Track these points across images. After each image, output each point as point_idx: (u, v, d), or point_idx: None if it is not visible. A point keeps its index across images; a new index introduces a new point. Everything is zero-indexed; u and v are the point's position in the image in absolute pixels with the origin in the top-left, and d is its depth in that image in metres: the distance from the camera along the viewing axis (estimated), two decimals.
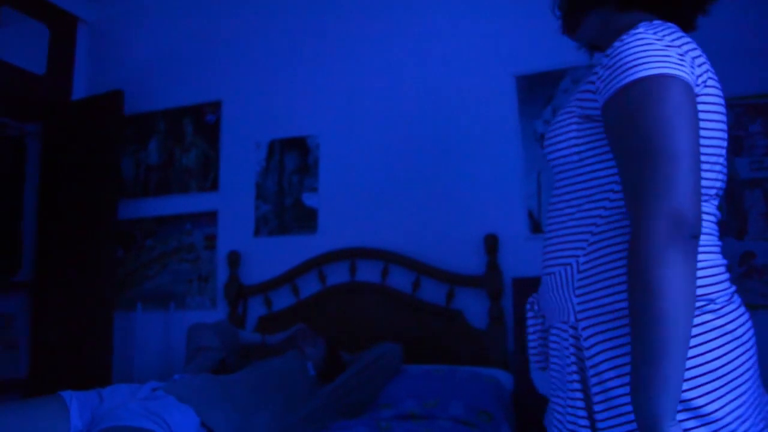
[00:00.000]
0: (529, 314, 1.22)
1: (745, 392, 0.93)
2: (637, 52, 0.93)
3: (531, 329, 1.21)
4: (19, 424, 1.61)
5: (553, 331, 1.10)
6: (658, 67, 0.91)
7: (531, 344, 1.21)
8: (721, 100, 1.02)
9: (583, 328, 1.01)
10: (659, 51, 0.93)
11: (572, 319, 1.03)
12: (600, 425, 0.97)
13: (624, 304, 0.97)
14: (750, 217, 2.47)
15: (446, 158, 2.91)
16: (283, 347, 2.56)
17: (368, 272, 2.94)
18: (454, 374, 2.44)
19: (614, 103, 0.95)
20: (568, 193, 1.09)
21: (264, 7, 3.40)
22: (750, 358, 0.96)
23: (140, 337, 3.34)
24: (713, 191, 1.02)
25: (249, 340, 2.58)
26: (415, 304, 2.81)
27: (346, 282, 2.96)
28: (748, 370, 0.95)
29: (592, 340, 1.00)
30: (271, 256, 3.14)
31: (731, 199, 2.49)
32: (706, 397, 0.90)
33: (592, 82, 1.02)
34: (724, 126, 1.03)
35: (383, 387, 2.39)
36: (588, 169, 1.05)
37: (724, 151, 1.03)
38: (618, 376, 0.96)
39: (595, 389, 0.98)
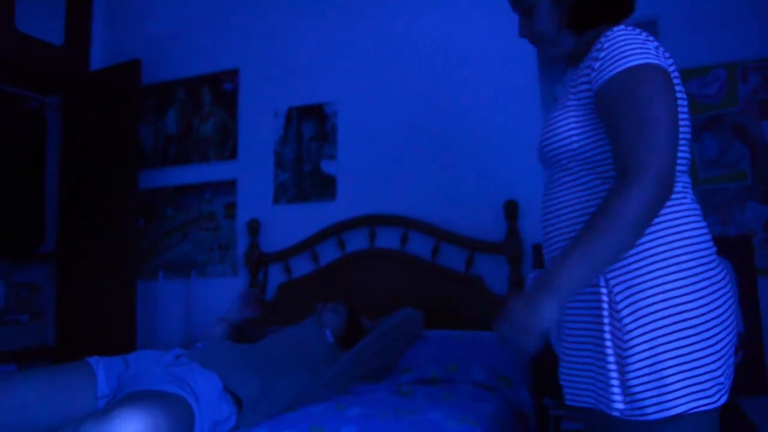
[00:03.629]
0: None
1: (730, 328, 1.14)
2: (624, 46, 1.13)
3: None
4: (49, 389, 1.65)
5: (578, 297, 1.20)
6: (643, 58, 1.11)
7: None
8: (684, 92, 1.21)
9: (614, 285, 1.14)
10: (641, 45, 1.13)
11: (601, 280, 1.14)
12: (630, 376, 1.09)
13: (654, 260, 1.12)
14: None
15: (466, 124, 2.88)
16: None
17: (387, 239, 2.95)
18: (474, 339, 2.45)
19: (608, 87, 1.13)
20: (572, 175, 1.23)
21: None
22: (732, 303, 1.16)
23: (163, 305, 3.40)
24: (686, 162, 1.20)
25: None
26: (434, 270, 2.82)
27: (366, 249, 2.97)
28: (731, 313, 1.15)
29: (621, 296, 1.13)
30: (290, 224, 3.15)
31: (756, 163, 2.44)
32: (710, 331, 1.09)
33: (587, 75, 1.18)
34: (687, 113, 1.22)
35: (404, 352, 2.41)
36: (591, 152, 1.20)
37: (690, 134, 1.23)
38: (642, 333, 1.10)
39: (618, 334, 1.11)
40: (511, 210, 2.69)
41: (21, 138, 3.55)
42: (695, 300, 1.10)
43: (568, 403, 1.22)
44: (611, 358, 1.11)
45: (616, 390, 1.10)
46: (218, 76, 3.43)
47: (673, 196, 1.13)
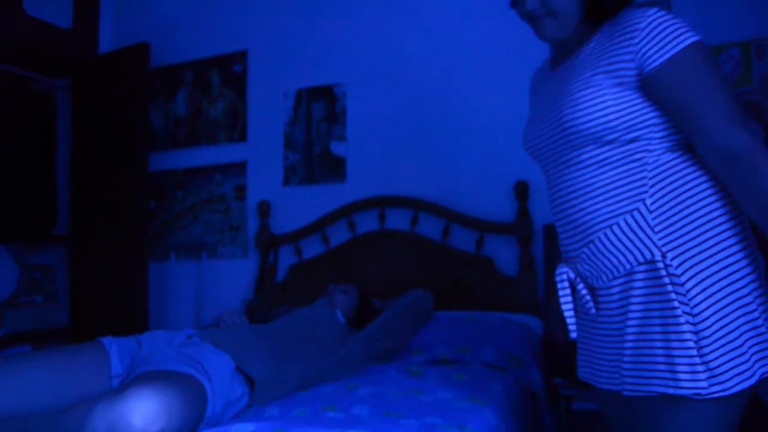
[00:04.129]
0: (564, 285, 1.30)
1: None
2: (674, 24, 1.14)
3: (567, 299, 1.29)
4: (64, 369, 1.66)
5: (616, 281, 1.20)
6: (694, 35, 1.13)
7: (569, 314, 1.30)
8: None
9: (672, 258, 1.13)
10: (683, 22, 1.14)
11: (656, 253, 1.13)
12: (707, 350, 1.07)
13: (706, 228, 1.13)
14: None
15: (476, 104, 2.87)
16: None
17: (397, 220, 2.94)
18: (485, 320, 2.45)
19: (674, 63, 1.13)
20: (603, 154, 1.20)
21: None
22: None
23: (174, 286, 3.42)
24: None
25: None
26: (444, 251, 2.81)
27: (376, 230, 2.97)
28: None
29: (682, 268, 1.12)
30: (300, 206, 3.15)
31: None
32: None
33: (629, 53, 1.16)
34: None
35: (415, 333, 2.41)
36: (627, 129, 1.17)
37: None
38: (710, 303, 1.09)
39: (686, 309, 1.10)
40: (522, 190, 2.68)
41: (32, 121, 3.57)
42: (748, 265, 1.12)
43: (609, 387, 1.22)
44: (688, 335, 1.08)
45: (700, 368, 1.06)
46: (227, 58, 3.42)
47: (691, 166, 1.17)
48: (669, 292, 1.11)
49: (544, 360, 2.33)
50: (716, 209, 1.15)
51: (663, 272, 1.12)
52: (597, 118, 1.18)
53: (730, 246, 1.12)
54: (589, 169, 1.21)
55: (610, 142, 1.19)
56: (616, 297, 1.20)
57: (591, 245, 1.21)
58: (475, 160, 2.84)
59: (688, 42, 1.12)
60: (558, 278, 1.30)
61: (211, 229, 3.37)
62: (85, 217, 3.48)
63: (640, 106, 1.17)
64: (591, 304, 1.25)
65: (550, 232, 2.58)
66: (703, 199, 1.15)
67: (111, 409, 1.32)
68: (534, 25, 1.34)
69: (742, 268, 1.11)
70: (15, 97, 3.42)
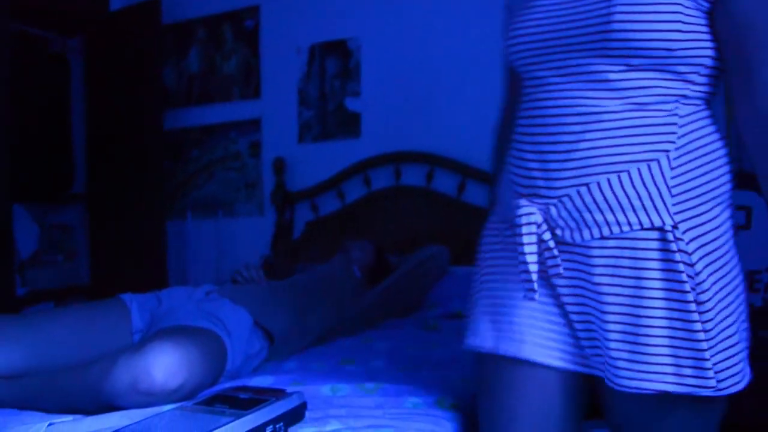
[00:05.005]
0: (530, 229, 1.01)
1: None
2: None
3: (532, 249, 1.01)
4: (86, 325, 1.69)
5: (601, 243, 0.97)
6: None
7: (527, 270, 1.02)
8: None
9: (684, 232, 0.93)
10: None
11: (667, 221, 0.93)
12: (713, 342, 0.91)
13: (717, 205, 0.96)
14: None
15: (491, 57, 2.81)
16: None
17: (413, 176, 2.93)
18: None
19: None
20: (640, 81, 0.95)
21: None
22: None
23: (192, 244, 3.45)
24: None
25: None
26: (460, 207, 2.80)
27: (391, 186, 2.96)
28: None
29: (692, 246, 0.93)
30: (315, 162, 3.15)
31: None
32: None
33: None
34: None
35: (431, 288, 2.42)
36: (684, 59, 0.95)
37: None
38: (714, 293, 0.92)
39: (694, 295, 0.91)
40: None
41: (46, 81, 3.56)
42: (738, 259, 0.98)
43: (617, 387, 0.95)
44: (698, 325, 0.90)
45: (708, 364, 0.90)
46: (239, 13, 3.38)
47: (712, 126, 0.99)
48: (681, 272, 0.91)
49: None
50: (728, 189, 0.98)
51: (674, 246, 0.92)
52: (662, 38, 0.92)
53: (729, 230, 0.97)
54: (617, 92, 0.96)
55: (658, 68, 0.94)
56: (596, 261, 0.97)
57: (584, 189, 0.96)
58: (492, 114, 2.80)
59: None
60: (520, 220, 1.01)
61: (228, 187, 3.38)
62: (102, 177, 3.50)
63: (704, 35, 0.95)
64: (558, 260, 1.00)
65: None
66: (722, 175, 0.98)
67: (133, 363, 1.34)
68: None
69: (737, 260, 0.97)
70: (29, 58, 3.41)
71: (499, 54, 2.95)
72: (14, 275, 2.98)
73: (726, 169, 0.98)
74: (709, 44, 0.95)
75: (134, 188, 3.35)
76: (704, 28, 0.95)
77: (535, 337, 1.04)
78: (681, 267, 0.91)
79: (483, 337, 1.11)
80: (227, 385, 1.49)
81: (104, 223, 3.47)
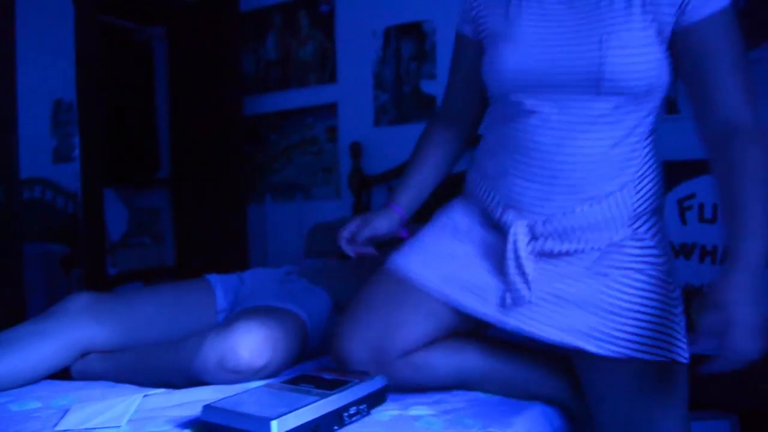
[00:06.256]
0: (524, 245, 1.21)
1: None
2: None
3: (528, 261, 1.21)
4: (174, 303, 1.77)
5: (603, 247, 1.20)
6: None
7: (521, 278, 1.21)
8: None
9: (647, 230, 1.21)
10: None
11: (636, 230, 1.20)
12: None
13: (659, 212, 1.25)
14: None
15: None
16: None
17: None
18: None
19: (712, 21, 1.09)
20: (621, 114, 1.14)
21: None
22: None
23: (272, 227, 3.53)
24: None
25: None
26: None
27: (467, 169, 2.92)
28: None
29: (661, 248, 1.22)
30: (391, 146, 3.15)
31: None
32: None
33: (671, 5, 1.10)
34: None
35: None
36: (658, 89, 1.15)
37: None
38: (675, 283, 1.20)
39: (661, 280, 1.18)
40: None
41: (132, 71, 3.70)
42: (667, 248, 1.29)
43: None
44: (680, 307, 1.18)
45: (680, 335, 1.16)
46: None
47: (654, 150, 1.22)
48: (660, 255, 1.20)
49: None
50: (660, 196, 1.25)
51: (649, 244, 1.20)
52: (646, 76, 1.12)
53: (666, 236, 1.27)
54: (602, 126, 1.14)
55: (638, 102, 1.14)
56: (572, 264, 1.21)
57: (570, 212, 1.18)
58: None
59: (726, 3, 1.09)
60: (511, 227, 1.23)
61: (305, 171, 3.44)
62: (185, 162, 3.62)
63: (667, 68, 1.14)
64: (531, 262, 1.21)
65: None
66: (660, 189, 1.24)
67: (220, 341, 1.40)
68: None
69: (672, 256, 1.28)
70: (116, 49, 3.54)
71: None
72: (105, 256, 3.13)
73: (660, 183, 1.23)
74: (668, 69, 1.15)
75: (216, 173, 3.45)
76: (666, 60, 1.14)
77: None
78: (658, 252, 1.19)
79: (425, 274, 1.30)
80: (310, 365, 1.53)
81: (188, 207, 3.60)
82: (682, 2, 1.09)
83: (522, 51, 1.18)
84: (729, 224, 1.03)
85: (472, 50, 1.39)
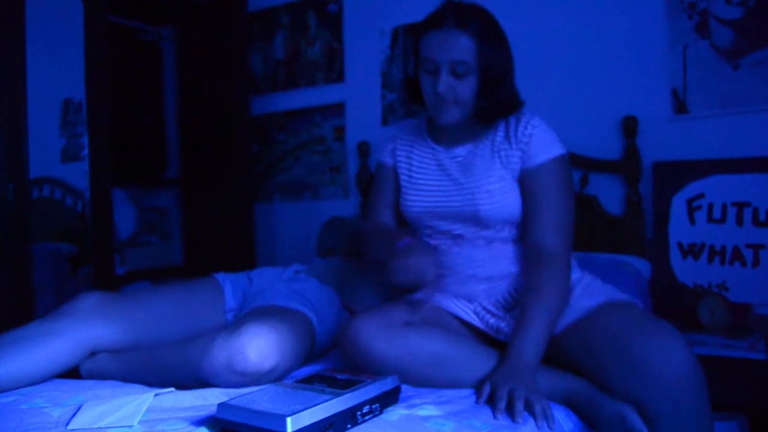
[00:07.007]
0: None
1: None
2: (550, 135, 1.61)
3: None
4: (183, 302, 1.77)
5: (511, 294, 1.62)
6: (563, 148, 1.61)
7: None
8: None
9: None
10: (557, 137, 1.63)
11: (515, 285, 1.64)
12: None
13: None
14: None
15: (579, 34, 2.73)
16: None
17: None
18: (591, 260, 2.38)
19: (548, 168, 1.56)
20: (498, 233, 1.63)
21: None
22: None
23: (280, 226, 3.54)
24: None
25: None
26: (581, 199, 2.71)
27: None
28: None
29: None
30: None
31: None
32: None
33: (520, 151, 1.59)
34: None
35: None
36: (518, 217, 1.61)
37: None
38: None
39: None
40: (630, 126, 2.54)
41: (141, 70, 3.72)
42: None
43: None
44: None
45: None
46: None
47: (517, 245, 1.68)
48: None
49: (652, 303, 2.27)
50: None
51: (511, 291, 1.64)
52: (509, 211, 1.59)
53: None
54: (486, 241, 1.63)
55: (506, 225, 1.62)
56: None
57: (490, 292, 1.62)
58: (580, 93, 2.72)
59: (559, 152, 1.58)
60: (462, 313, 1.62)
61: (313, 170, 3.44)
62: (193, 161, 3.63)
63: (519, 201, 1.60)
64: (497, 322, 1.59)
65: (661, 170, 2.47)
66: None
67: (229, 344, 1.40)
68: (437, 107, 1.57)
69: None
70: (125, 48, 3.56)
71: (587, 28, 2.83)
72: (114, 255, 3.14)
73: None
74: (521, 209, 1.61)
75: (224, 172, 3.45)
76: (519, 198, 1.60)
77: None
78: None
79: None
80: (319, 365, 1.53)
81: (196, 206, 3.61)
82: (525, 153, 1.56)
83: (424, 190, 1.69)
84: (516, 330, 1.40)
85: (393, 174, 1.81)
